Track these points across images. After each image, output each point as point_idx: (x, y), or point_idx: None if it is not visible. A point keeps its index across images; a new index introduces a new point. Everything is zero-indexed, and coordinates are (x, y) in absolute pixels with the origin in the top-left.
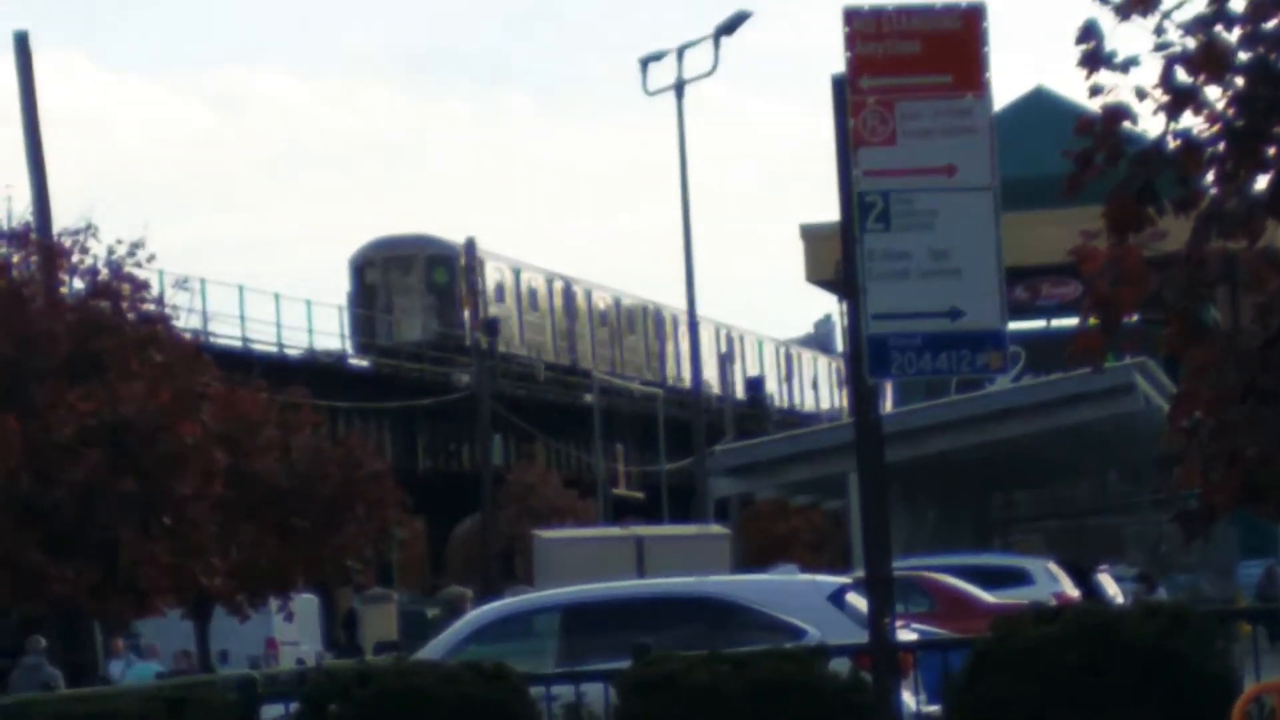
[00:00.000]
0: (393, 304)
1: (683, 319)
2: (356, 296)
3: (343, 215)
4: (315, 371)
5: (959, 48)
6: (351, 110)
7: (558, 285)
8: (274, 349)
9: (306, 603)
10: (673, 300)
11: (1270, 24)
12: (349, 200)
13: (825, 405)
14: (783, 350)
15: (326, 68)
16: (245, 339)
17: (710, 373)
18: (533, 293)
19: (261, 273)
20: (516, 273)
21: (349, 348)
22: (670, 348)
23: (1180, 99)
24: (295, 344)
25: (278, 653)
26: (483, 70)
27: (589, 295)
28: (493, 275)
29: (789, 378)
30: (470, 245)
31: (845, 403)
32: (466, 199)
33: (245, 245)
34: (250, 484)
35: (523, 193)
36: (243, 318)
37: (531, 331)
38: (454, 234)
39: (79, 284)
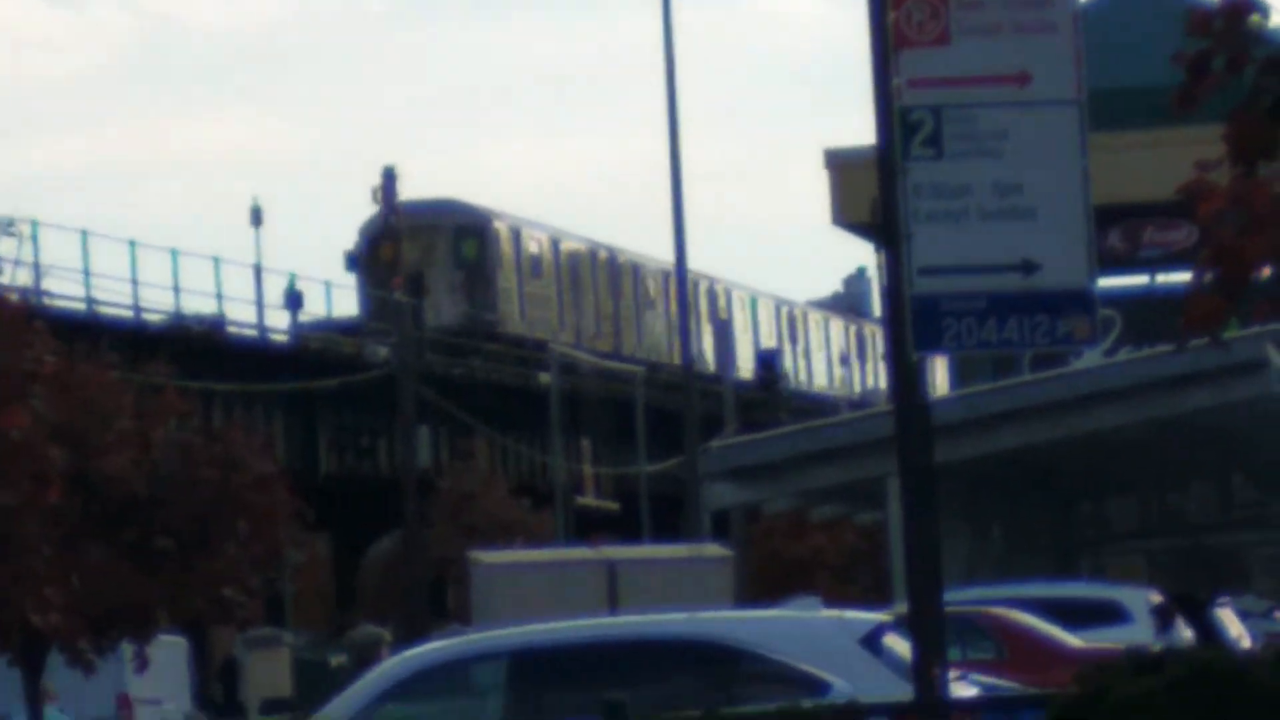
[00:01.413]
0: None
1: (669, 274)
2: (368, 272)
3: (219, 138)
4: (184, 344)
5: None
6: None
7: (543, 238)
8: (129, 313)
9: (171, 647)
10: (657, 250)
11: None
12: (226, 119)
13: (858, 387)
14: (802, 315)
15: None
16: (91, 300)
17: (708, 344)
18: (533, 258)
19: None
20: (516, 232)
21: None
22: (656, 312)
23: None
24: (156, 307)
25: (132, 713)
26: None
27: (555, 244)
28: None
29: (807, 352)
30: (389, 175)
31: (884, 384)
32: (384, 116)
33: (90, 177)
34: (97, 491)
35: (457, 108)
36: (87, 272)
37: (536, 305)
38: (368, 164)
39: None
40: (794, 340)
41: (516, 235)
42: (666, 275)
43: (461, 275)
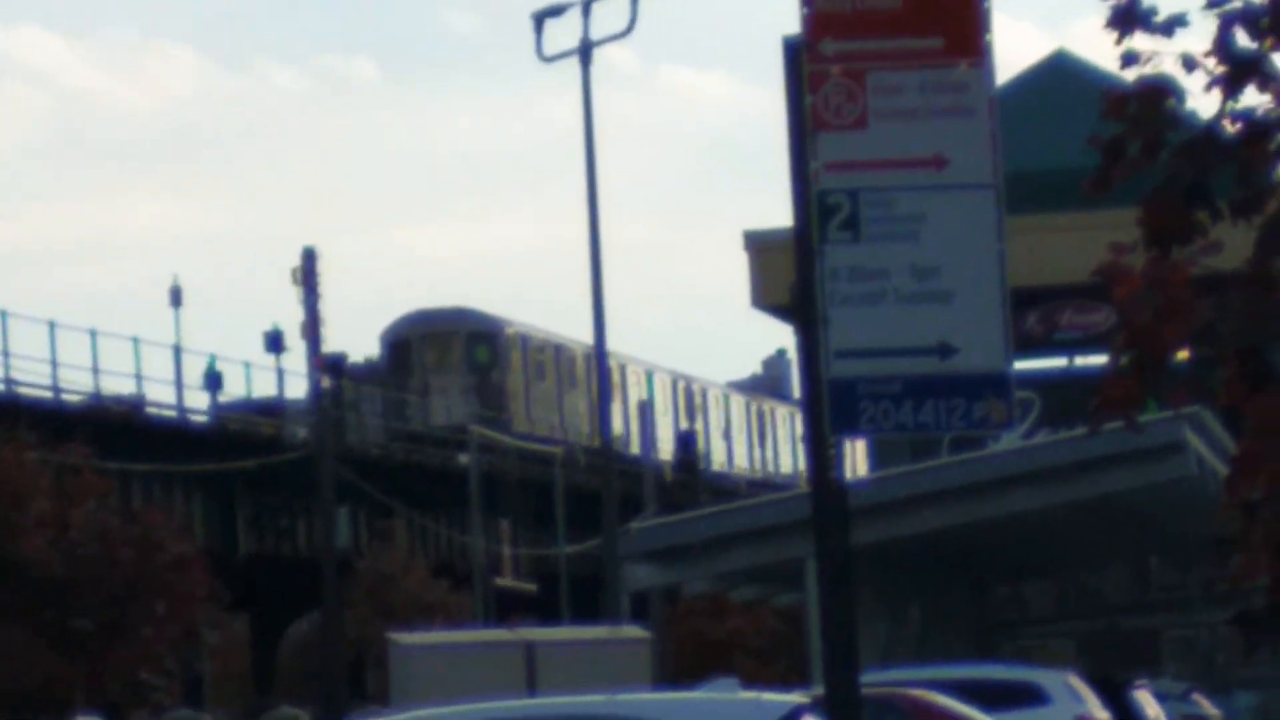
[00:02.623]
0: (429, 385)
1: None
2: (390, 374)
3: (137, 219)
4: (103, 424)
5: (951, 1)
6: (138, 80)
7: (546, 343)
8: (48, 394)
9: None
10: (574, 331)
11: None
12: (144, 199)
13: (785, 469)
14: (723, 398)
15: (101, 23)
16: (9, 380)
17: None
18: (538, 364)
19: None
20: (524, 339)
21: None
22: (579, 395)
23: (1241, 70)
24: (75, 387)
25: None
26: (314, 28)
27: (557, 349)
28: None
29: (727, 433)
30: (310, 256)
31: (789, 466)
32: (303, 197)
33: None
34: (13, 572)
35: (376, 189)
36: (6, 353)
37: (542, 407)
38: (288, 245)
39: None
40: (706, 421)
41: (524, 342)
42: (587, 356)
43: (474, 379)
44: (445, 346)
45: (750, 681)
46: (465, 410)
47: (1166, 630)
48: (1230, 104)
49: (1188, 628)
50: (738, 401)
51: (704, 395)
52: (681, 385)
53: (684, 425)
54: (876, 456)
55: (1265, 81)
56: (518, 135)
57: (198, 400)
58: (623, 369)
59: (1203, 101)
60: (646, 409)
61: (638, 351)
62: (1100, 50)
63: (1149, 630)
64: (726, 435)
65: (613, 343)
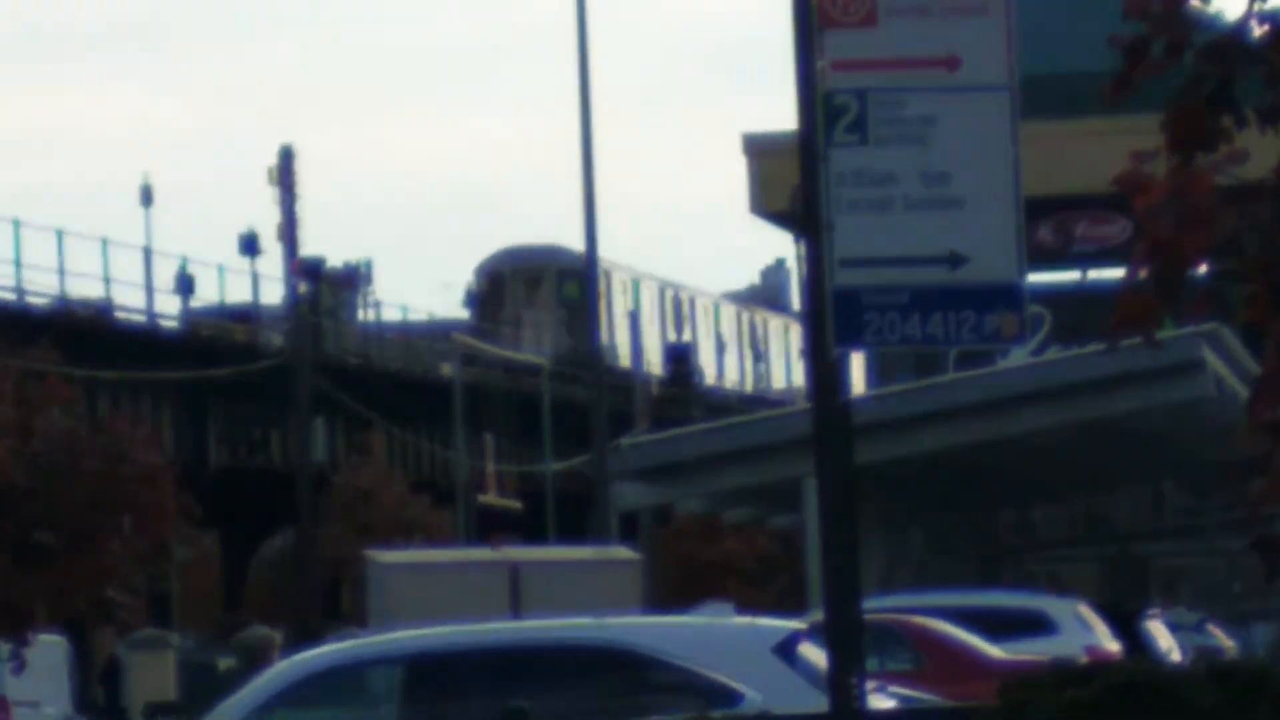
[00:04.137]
0: (521, 318)
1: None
2: (481, 308)
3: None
4: (69, 329)
5: None
6: None
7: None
8: (12, 296)
9: (51, 647)
10: (565, 237)
11: None
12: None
13: (779, 384)
14: (714, 308)
15: None
16: None
17: (621, 337)
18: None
19: None
20: (609, 275)
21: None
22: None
23: None
24: (40, 289)
25: (9, 715)
26: None
27: (636, 284)
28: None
29: (720, 347)
30: (287, 154)
31: (803, 382)
32: (281, 94)
33: None
34: None
35: (358, 84)
36: None
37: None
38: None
39: None
40: (695, 332)
41: (609, 277)
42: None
43: (564, 313)
44: (535, 283)
45: (744, 606)
46: (555, 345)
47: (1185, 558)
48: (1258, 4)
49: (1204, 555)
50: (729, 312)
51: (691, 305)
52: (670, 294)
53: (672, 337)
54: (878, 372)
55: None
56: (506, 28)
57: (168, 305)
58: (608, 275)
59: (1229, 1)
60: (634, 319)
61: (630, 259)
62: None
63: (1164, 559)
64: (719, 348)
65: (603, 249)
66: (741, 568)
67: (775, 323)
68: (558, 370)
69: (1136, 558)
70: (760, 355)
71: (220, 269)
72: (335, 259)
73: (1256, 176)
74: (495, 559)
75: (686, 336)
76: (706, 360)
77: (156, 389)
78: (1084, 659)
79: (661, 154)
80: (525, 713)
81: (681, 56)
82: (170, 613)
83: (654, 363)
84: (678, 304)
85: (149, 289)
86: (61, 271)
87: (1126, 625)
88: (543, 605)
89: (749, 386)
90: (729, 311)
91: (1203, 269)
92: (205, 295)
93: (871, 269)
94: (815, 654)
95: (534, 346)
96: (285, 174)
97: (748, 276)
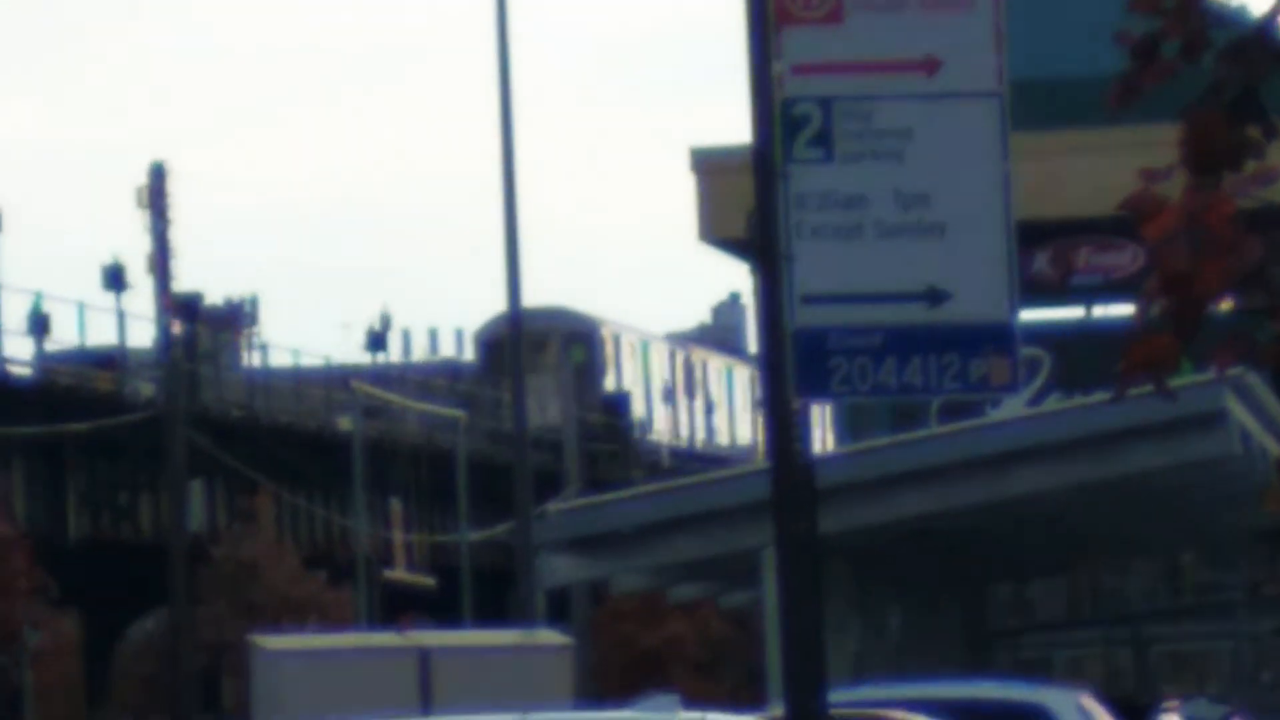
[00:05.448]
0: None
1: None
2: (485, 375)
3: None
4: None
5: None
6: None
7: (635, 341)
8: None
9: None
10: (482, 268)
11: None
12: None
13: (730, 440)
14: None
15: None
16: None
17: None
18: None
19: None
20: (617, 338)
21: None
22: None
23: None
24: None
25: None
26: None
27: (644, 345)
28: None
29: (668, 394)
30: (159, 173)
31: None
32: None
33: None
34: None
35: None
36: None
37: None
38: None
39: None
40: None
41: (617, 340)
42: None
43: (571, 378)
44: (539, 347)
45: (693, 699)
46: (562, 412)
47: (1207, 642)
48: None
49: (1228, 638)
50: (673, 355)
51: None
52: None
53: (610, 386)
54: (848, 425)
55: None
56: (416, 29)
57: (20, 348)
58: (614, 334)
59: None
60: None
61: (559, 296)
62: None
63: (1182, 641)
64: (665, 397)
65: (529, 286)
66: (689, 655)
67: (732, 368)
68: (476, 425)
69: (1150, 641)
70: (712, 406)
71: (80, 307)
72: (215, 294)
73: None
74: (402, 644)
75: (628, 384)
76: (654, 413)
77: (7, 446)
78: None
79: (597, 172)
80: None
81: (620, 58)
82: (23, 709)
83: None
84: (618, 345)
85: None
86: None
87: (1138, 719)
88: (458, 698)
89: (699, 442)
90: (672, 354)
91: (1225, 305)
92: (63, 337)
93: (838, 306)
94: None
95: (538, 414)
96: (156, 195)
97: (697, 314)
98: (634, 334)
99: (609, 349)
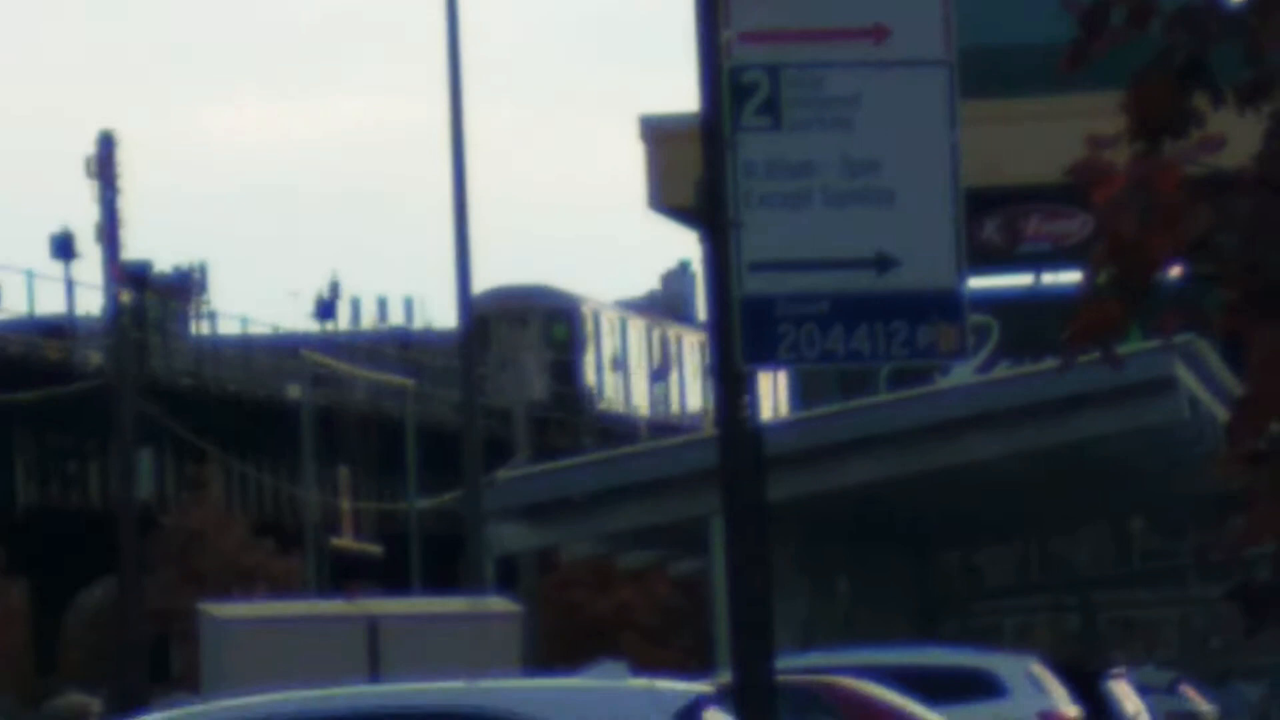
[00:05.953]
0: (507, 361)
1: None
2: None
3: None
4: None
5: None
6: None
7: (614, 318)
8: None
9: None
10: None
11: None
12: None
13: (682, 408)
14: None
15: None
16: None
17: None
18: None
19: None
20: (597, 315)
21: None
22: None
23: None
24: None
25: None
26: None
27: (623, 323)
28: None
29: (620, 363)
30: (107, 142)
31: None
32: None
33: None
34: None
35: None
36: None
37: (614, 381)
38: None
39: None
40: (599, 350)
41: (596, 317)
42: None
43: (551, 355)
44: (522, 324)
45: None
46: (543, 388)
47: (1156, 608)
48: None
49: (1177, 605)
50: (626, 323)
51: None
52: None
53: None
54: (799, 392)
55: None
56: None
57: None
58: (593, 312)
59: None
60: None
61: (510, 263)
62: None
63: (1131, 608)
64: (616, 365)
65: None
66: (638, 621)
67: (682, 336)
68: (425, 393)
69: (1099, 607)
70: (661, 373)
71: (28, 275)
72: (164, 263)
73: (1234, 165)
74: (350, 612)
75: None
76: (605, 380)
77: None
78: None
79: (547, 140)
80: None
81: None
82: None
83: (534, 388)
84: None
85: None
86: None
87: (1087, 686)
88: (406, 666)
89: (649, 410)
90: (625, 322)
91: (1174, 272)
92: (11, 306)
93: (786, 273)
94: None
95: (516, 391)
96: (105, 164)
97: (647, 282)
98: (613, 311)
99: (589, 326)
